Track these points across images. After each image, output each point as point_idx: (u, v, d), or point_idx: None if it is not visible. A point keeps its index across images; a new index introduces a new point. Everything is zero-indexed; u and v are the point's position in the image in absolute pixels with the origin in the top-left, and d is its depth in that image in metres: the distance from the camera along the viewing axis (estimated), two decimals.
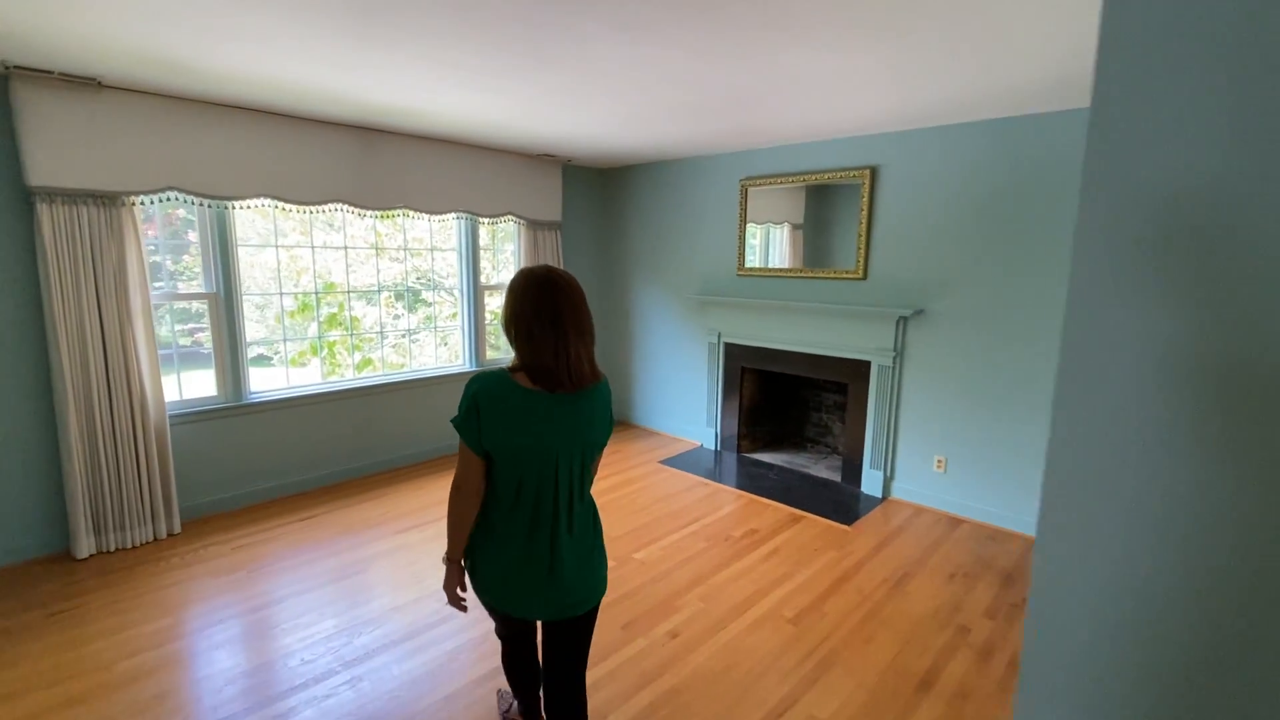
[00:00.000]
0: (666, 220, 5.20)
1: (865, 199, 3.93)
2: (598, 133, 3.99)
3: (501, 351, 5.24)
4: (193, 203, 3.41)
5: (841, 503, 3.99)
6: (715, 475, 4.50)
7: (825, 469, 4.59)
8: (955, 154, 3.58)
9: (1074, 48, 2.31)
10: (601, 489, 4.14)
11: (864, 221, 3.96)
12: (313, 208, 3.83)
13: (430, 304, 4.90)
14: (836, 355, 4.20)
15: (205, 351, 3.68)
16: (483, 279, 4.96)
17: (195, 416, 3.58)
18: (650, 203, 5.30)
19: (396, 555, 3.23)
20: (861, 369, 4.11)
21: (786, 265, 4.45)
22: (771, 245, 4.54)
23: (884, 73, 2.64)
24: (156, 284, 3.51)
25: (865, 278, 4.03)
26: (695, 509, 3.88)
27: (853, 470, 4.23)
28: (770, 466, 4.65)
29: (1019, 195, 3.39)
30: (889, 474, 4.08)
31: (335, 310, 4.57)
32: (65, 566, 3.08)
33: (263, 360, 4.23)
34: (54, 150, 2.91)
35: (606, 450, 4.87)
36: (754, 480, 4.37)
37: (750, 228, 4.61)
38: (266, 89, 3.06)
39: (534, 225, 5.00)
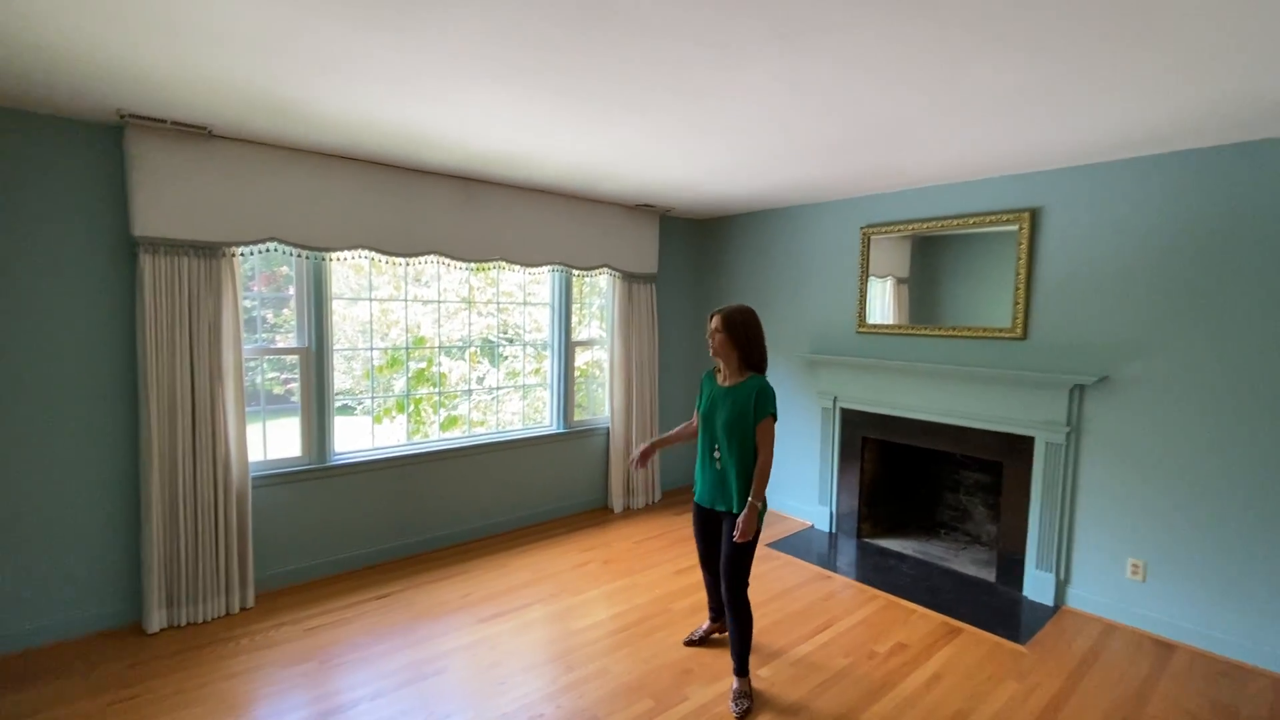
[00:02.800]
0: (772, 273, 4.77)
1: (1023, 245, 3.36)
2: (711, 177, 3.66)
3: (588, 411, 4.87)
4: (291, 254, 3.28)
5: (1003, 610, 3.26)
6: (835, 565, 3.85)
7: (970, 564, 3.85)
8: (1148, 190, 2.98)
9: None
10: None
11: (1022, 272, 3.38)
12: (409, 259, 3.65)
13: (508, 358, 4.63)
14: (985, 428, 3.56)
15: (293, 401, 3.49)
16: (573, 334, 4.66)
17: (277, 479, 3.36)
18: (752, 254, 4.90)
19: (478, 652, 2.80)
20: (1020, 445, 3.44)
21: (908, 321, 3.89)
22: (893, 299, 4.00)
23: (1086, 88, 2.15)
24: (253, 339, 3.37)
25: (1025, 337, 3.41)
26: (822, 610, 3.26)
27: (1011, 569, 3.50)
28: (900, 557, 3.97)
29: (1245, 236, 2.74)
30: (1063, 577, 3.32)
31: (423, 365, 4.36)
32: (134, 643, 2.83)
33: (347, 410, 4.02)
34: (161, 200, 2.83)
35: None
36: (885, 574, 3.70)
37: (873, 281, 4.10)
38: (374, 134, 2.91)
39: (629, 278, 4.69)
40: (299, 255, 3.30)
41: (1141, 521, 3.05)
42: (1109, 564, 3.16)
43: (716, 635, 2.93)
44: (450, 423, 4.39)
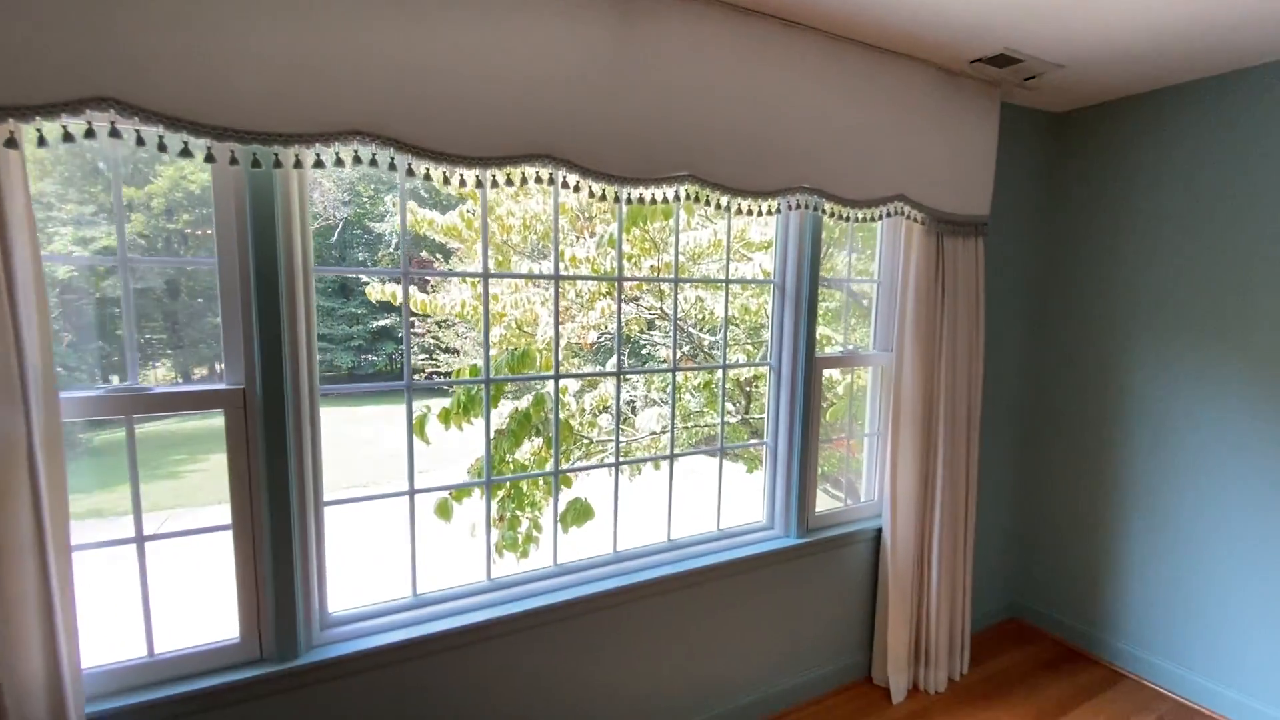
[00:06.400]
0: (1268, 200, 2.11)
1: None
2: None
3: (833, 491, 2.54)
4: (195, 148, 1.24)
5: None
6: None
7: None
8: None
9: None
10: None
11: None
12: (492, 170, 1.51)
13: (678, 383, 2.39)
14: None
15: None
16: (818, 340, 2.30)
17: (175, 707, 1.39)
18: (1213, 167, 2.26)
19: None
20: None
21: None
22: None
23: None
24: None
25: None
26: None
27: None
28: None
29: None
30: None
31: (528, 403, 2.27)
32: None
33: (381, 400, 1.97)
34: None
35: None
36: None
37: None
38: None
39: (940, 225, 2.25)
40: (200, 148, 1.27)
41: None
42: None
43: None
44: (579, 516, 2.26)
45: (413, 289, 3.38)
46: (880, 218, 2.16)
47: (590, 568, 1.96)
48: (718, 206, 1.85)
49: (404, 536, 1.77)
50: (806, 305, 2.18)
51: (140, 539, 1.39)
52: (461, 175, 1.47)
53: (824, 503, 2.40)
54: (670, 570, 1.99)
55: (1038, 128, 2.68)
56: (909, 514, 2.34)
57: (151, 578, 1.44)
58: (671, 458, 2.11)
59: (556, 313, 1.86)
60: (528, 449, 2.57)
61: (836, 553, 2.35)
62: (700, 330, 3.98)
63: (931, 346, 2.30)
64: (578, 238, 3.82)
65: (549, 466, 2.68)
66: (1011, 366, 2.78)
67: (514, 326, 3.12)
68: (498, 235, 4.13)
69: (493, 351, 2.59)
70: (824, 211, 2.05)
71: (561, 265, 2.98)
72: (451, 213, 3.60)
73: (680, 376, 4.19)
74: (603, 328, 3.93)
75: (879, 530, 2.41)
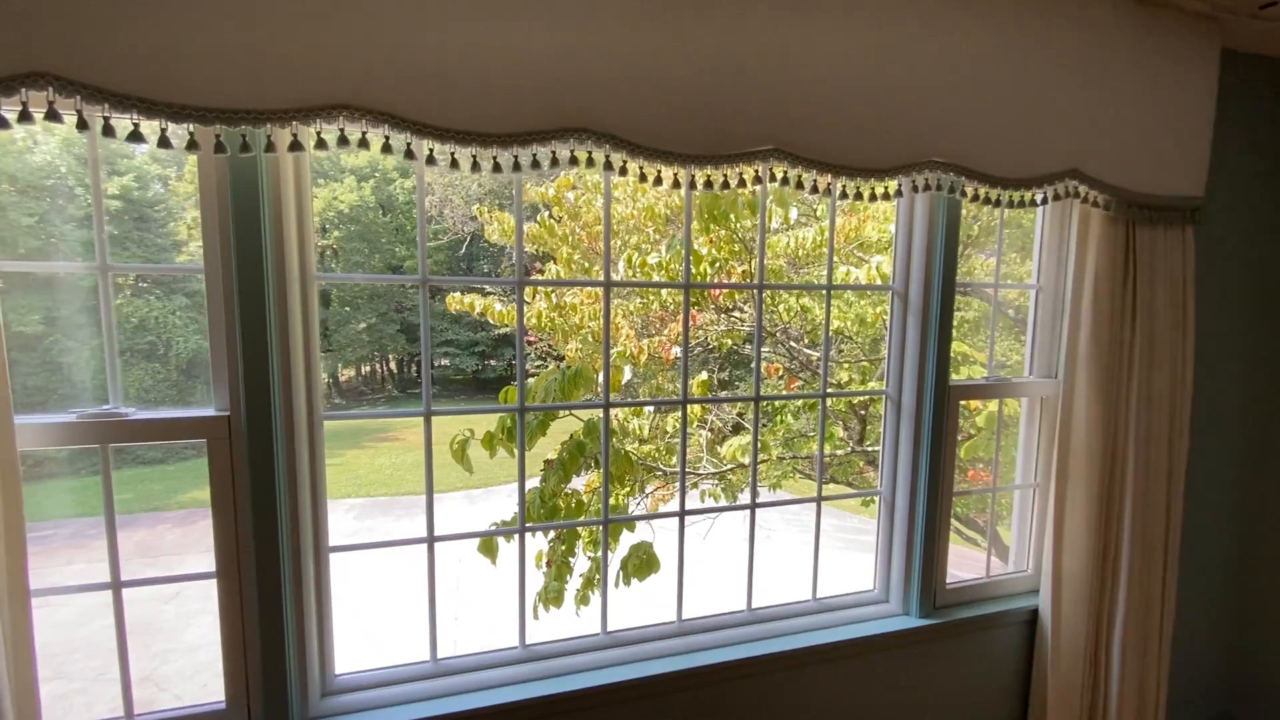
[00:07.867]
0: None
1: None
2: None
3: (966, 557, 1.99)
4: (126, 128, 1.04)
5: None
6: None
7: None
8: None
9: None
10: None
11: None
12: (514, 151, 1.20)
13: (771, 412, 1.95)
14: None
15: None
16: (952, 360, 1.78)
17: None
18: None
19: None
20: None
21: None
22: None
23: None
24: None
25: None
26: None
27: None
28: None
29: None
30: None
31: (582, 434, 1.96)
32: None
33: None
34: None
35: None
36: None
37: None
38: None
39: (1133, 210, 1.66)
40: (157, 131, 1.06)
41: None
42: None
43: None
44: (643, 567, 1.91)
45: (491, 298, 3.20)
46: (1043, 201, 1.62)
47: (647, 639, 1.60)
48: (814, 190, 1.43)
49: (445, 587, 1.51)
50: (937, 318, 1.68)
51: (117, 584, 1.22)
52: (475, 157, 1.18)
53: (957, 559, 1.87)
54: (749, 652, 1.58)
55: (1267, 80, 1.97)
56: (1079, 594, 1.76)
57: (145, 626, 1.28)
58: (753, 507, 1.70)
59: (607, 328, 1.53)
60: (587, 479, 2.28)
61: (974, 638, 1.81)
62: (804, 345, 3.49)
63: (1117, 374, 1.71)
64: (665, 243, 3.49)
65: (611, 505, 2.35)
66: (1230, 402, 2.07)
67: (590, 340, 2.85)
68: (585, 241, 3.89)
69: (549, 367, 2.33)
70: (963, 194, 1.56)
71: (631, 273, 2.66)
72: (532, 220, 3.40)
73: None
74: (695, 337, 3.57)
75: (1034, 611, 1.84)
